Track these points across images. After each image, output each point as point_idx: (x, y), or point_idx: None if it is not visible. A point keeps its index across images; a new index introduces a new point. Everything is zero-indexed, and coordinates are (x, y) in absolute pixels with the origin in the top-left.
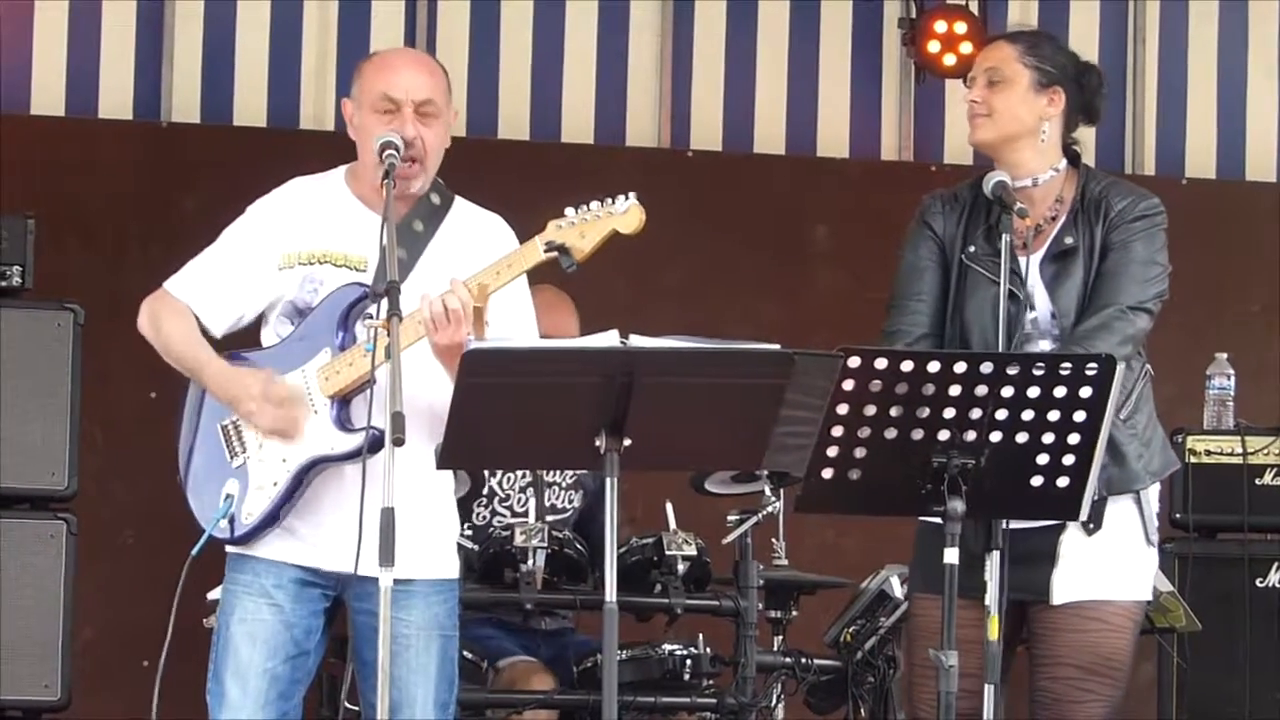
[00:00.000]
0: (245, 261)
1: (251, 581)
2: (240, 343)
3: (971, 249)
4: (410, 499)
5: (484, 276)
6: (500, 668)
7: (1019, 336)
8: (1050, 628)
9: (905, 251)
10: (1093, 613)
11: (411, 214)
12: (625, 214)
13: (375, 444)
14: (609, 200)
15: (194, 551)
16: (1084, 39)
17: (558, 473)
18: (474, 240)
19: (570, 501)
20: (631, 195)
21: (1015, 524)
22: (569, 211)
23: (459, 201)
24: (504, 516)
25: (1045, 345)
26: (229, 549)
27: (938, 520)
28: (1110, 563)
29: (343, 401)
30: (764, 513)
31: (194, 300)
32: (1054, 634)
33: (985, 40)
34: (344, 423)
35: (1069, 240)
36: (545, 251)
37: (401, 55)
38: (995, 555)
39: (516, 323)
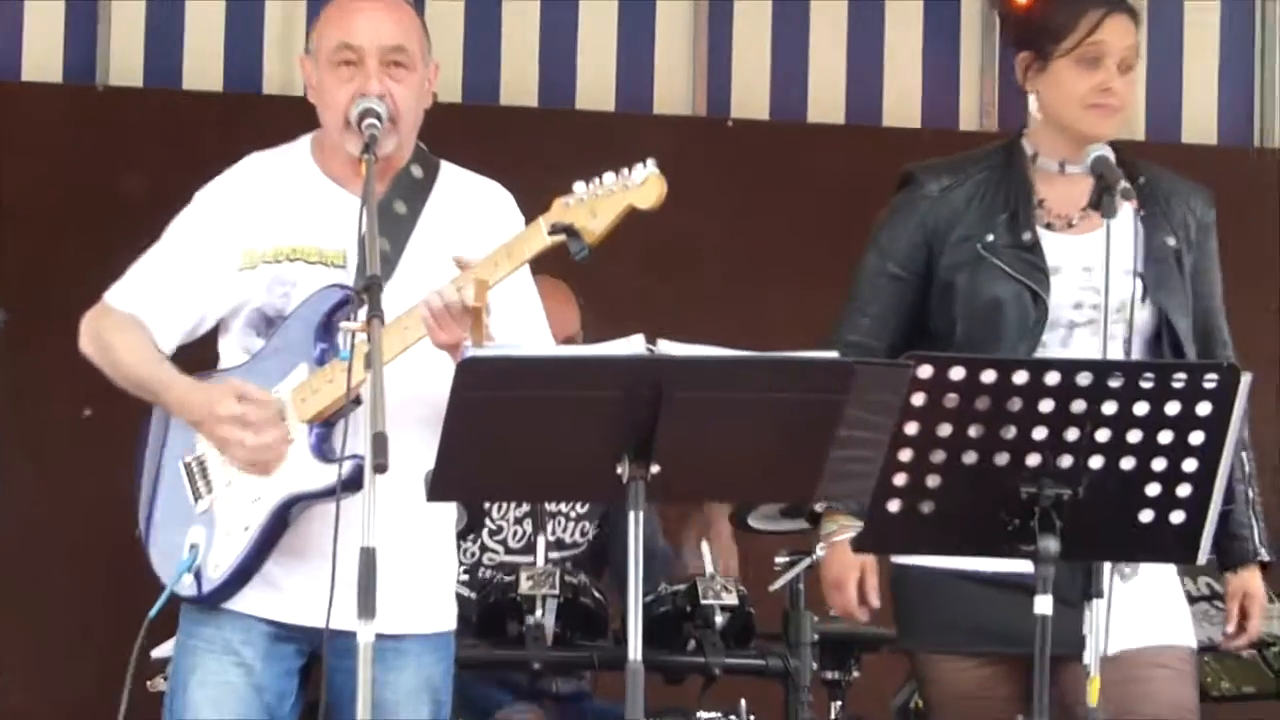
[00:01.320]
0: (199, 261)
1: (214, 636)
2: (198, 359)
3: (990, 238)
4: (402, 537)
5: (480, 269)
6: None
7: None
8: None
9: (880, 242)
10: (1152, 658)
11: (391, 193)
12: (642, 185)
13: (358, 474)
14: (624, 171)
15: (151, 613)
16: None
17: (573, 505)
18: (469, 217)
19: (583, 534)
20: (650, 163)
21: (1019, 566)
22: (578, 187)
23: (445, 169)
24: (495, 553)
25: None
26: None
27: (932, 562)
28: (1154, 607)
29: (324, 425)
30: (819, 554)
31: (143, 310)
32: (1107, 688)
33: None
34: (325, 451)
35: (1171, 241)
36: (550, 235)
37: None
38: (1098, 604)
39: (522, 323)
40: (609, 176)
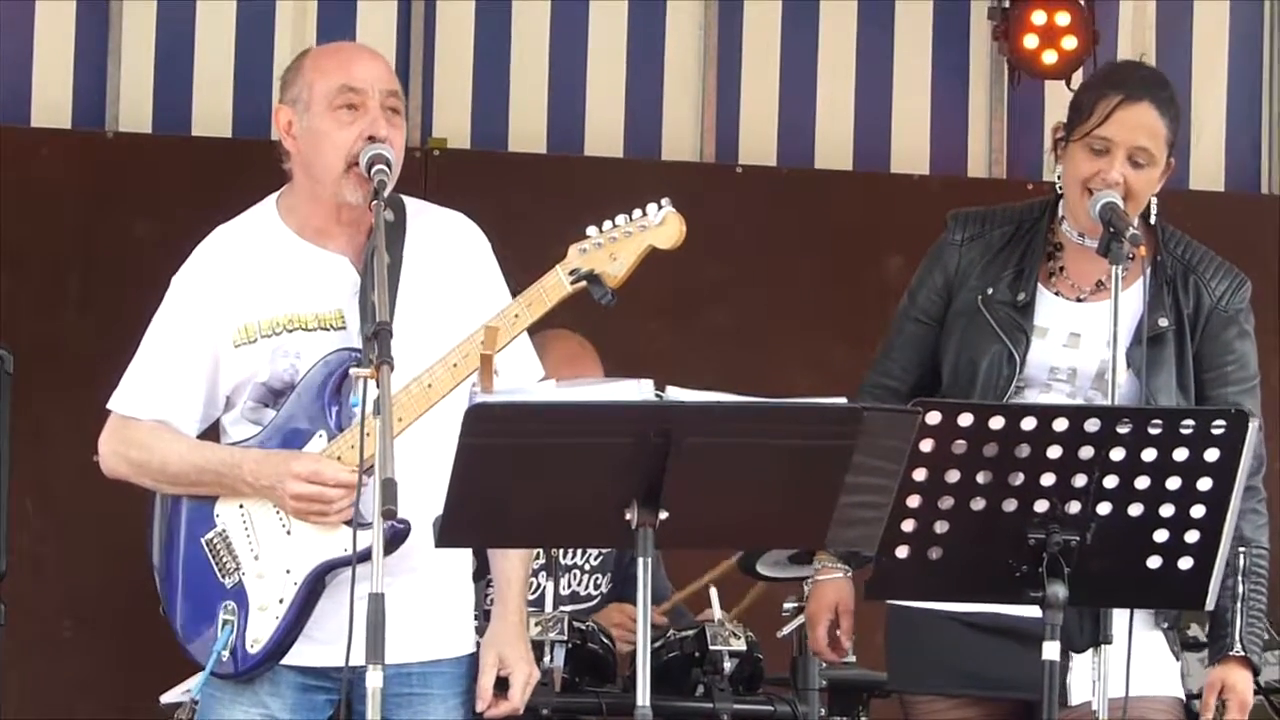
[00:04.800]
0: (197, 348)
1: (242, 689)
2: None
3: (990, 291)
4: (426, 576)
5: (500, 320)
6: None
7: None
8: None
9: (913, 289)
10: (1132, 710)
11: (372, 246)
12: (661, 225)
13: (396, 537)
14: (639, 213)
15: (194, 691)
16: (1209, 31)
17: (579, 553)
18: (443, 254)
19: (596, 587)
20: (666, 202)
21: (1009, 609)
22: (591, 231)
23: (410, 207)
24: None
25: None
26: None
27: (918, 605)
28: (1141, 659)
29: None
30: (807, 592)
31: (161, 412)
32: None
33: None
34: (356, 517)
35: (1162, 323)
36: (573, 283)
37: (350, 44)
38: (1106, 651)
39: (517, 367)
40: (622, 219)
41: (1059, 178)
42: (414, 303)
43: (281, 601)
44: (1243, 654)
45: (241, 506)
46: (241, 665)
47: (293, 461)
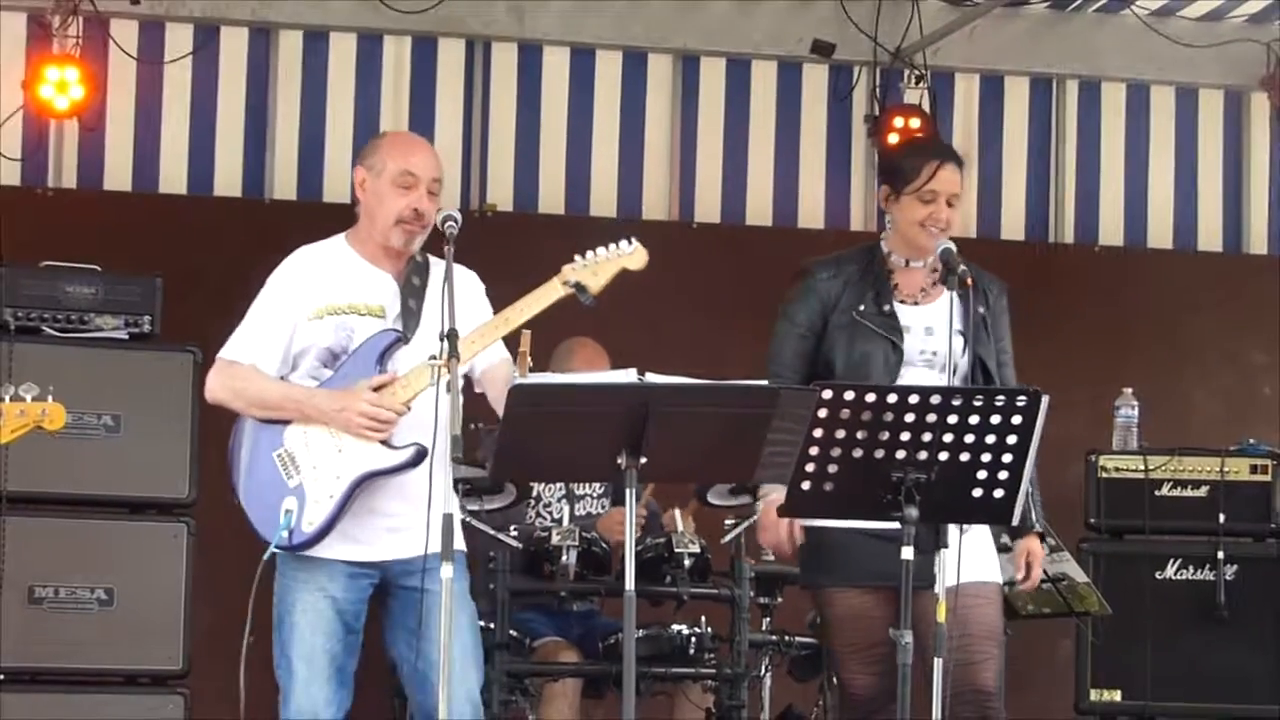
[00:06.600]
0: (285, 319)
1: (308, 579)
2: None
3: (862, 308)
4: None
5: (511, 313)
6: (535, 646)
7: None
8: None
9: (789, 313)
10: (976, 590)
11: (409, 270)
12: (633, 254)
13: (417, 458)
14: (614, 245)
15: (264, 556)
16: (1015, 131)
17: (588, 486)
18: (459, 290)
19: (602, 507)
20: (634, 240)
21: (887, 525)
22: (577, 257)
23: (430, 258)
24: (545, 519)
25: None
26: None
27: (830, 524)
28: (977, 555)
29: None
30: (754, 518)
31: (256, 359)
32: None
33: (938, 147)
34: (389, 442)
35: (981, 310)
36: (564, 287)
37: (415, 138)
38: (944, 552)
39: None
40: (601, 250)
41: (889, 223)
42: (433, 311)
43: (331, 497)
44: (1039, 529)
45: (305, 431)
46: (296, 540)
47: (366, 389)
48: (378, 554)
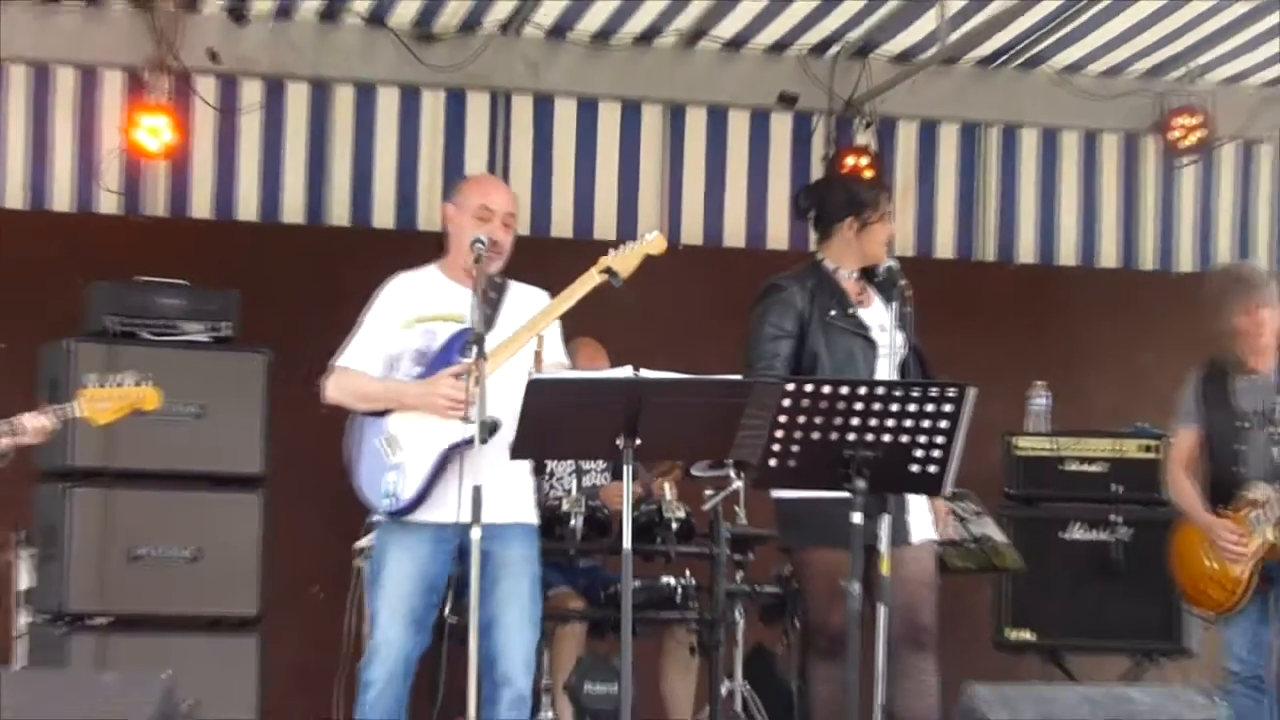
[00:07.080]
0: (386, 330)
1: (400, 538)
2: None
3: (832, 313)
4: (507, 467)
5: (558, 302)
6: (549, 596)
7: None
8: (897, 560)
9: (772, 319)
10: (916, 548)
11: (488, 286)
12: (653, 241)
13: (493, 429)
14: (640, 238)
15: (371, 519)
16: (947, 167)
17: (593, 461)
18: (527, 304)
19: (604, 480)
20: (655, 230)
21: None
22: (611, 250)
23: (510, 280)
24: (557, 490)
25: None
26: (377, 518)
27: (812, 494)
28: (916, 518)
29: None
30: (730, 489)
31: (364, 365)
32: (900, 565)
33: (876, 181)
34: (468, 418)
35: (908, 310)
36: (599, 274)
37: (493, 179)
38: (885, 518)
39: (556, 351)
40: (629, 242)
41: (842, 243)
42: (507, 318)
43: (423, 469)
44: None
45: (403, 418)
46: (397, 507)
47: (447, 375)
48: (454, 517)
